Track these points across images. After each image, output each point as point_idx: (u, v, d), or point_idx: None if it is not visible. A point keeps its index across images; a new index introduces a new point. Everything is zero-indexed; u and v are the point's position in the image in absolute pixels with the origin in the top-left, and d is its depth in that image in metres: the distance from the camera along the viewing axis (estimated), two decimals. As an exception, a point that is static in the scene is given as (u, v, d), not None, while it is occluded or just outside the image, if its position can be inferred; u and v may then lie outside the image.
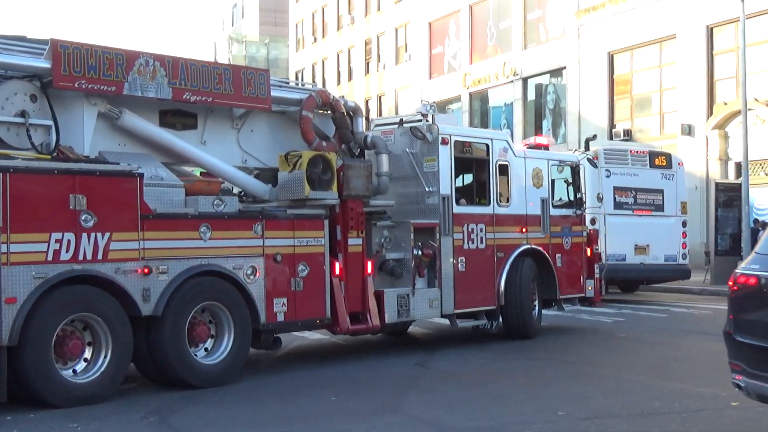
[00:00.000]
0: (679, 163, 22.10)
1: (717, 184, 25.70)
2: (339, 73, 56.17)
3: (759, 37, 27.73)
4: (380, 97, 49.14)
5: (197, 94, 10.16)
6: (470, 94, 42.74)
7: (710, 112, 29.85)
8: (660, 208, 21.38)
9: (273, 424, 7.99)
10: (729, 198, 24.75)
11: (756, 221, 23.28)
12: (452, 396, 9.17)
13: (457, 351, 12.43)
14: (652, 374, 10.28)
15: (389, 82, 50.25)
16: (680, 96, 31.14)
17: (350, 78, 54.78)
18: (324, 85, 52.34)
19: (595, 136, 21.15)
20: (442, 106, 43.80)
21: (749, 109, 24.59)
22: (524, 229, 13.88)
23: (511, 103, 40.11)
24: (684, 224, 21.78)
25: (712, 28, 29.96)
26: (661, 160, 21.65)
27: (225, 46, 70.52)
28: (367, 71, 53.12)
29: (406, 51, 48.44)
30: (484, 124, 41.04)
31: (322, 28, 58.84)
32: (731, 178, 28.53)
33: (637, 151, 21.55)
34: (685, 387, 9.36)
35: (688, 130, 30.54)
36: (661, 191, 21.43)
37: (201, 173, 11.71)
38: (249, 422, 8.08)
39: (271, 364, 11.35)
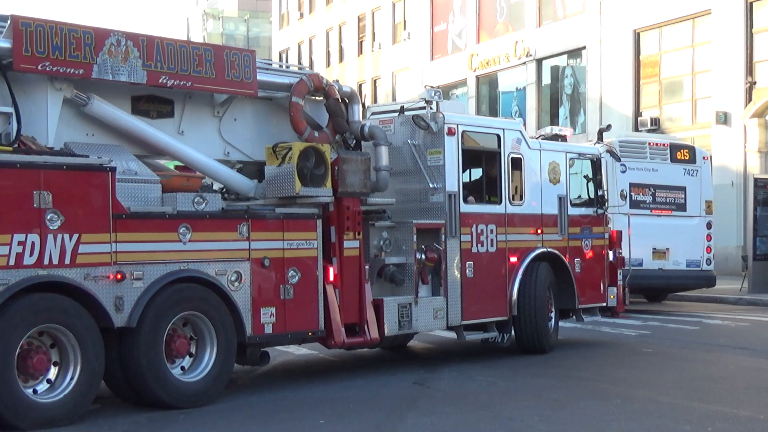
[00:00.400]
0: (704, 158, 22.31)
1: (756, 179, 25.89)
2: (329, 53, 56.52)
3: (804, 13, 28.00)
4: (375, 81, 49.39)
5: (175, 78, 10.26)
6: (477, 78, 43.02)
7: (749, 99, 30.09)
8: (682, 207, 21.60)
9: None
10: (770, 195, 24.98)
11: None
12: (456, 419, 9.19)
13: (462, 368, 12.49)
14: (681, 395, 10.32)
15: (385, 64, 50.56)
16: (715, 80, 31.36)
17: (341, 59, 55.10)
18: (312, 67, 52.51)
19: (609, 126, 21.48)
20: (445, 91, 43.98)
21: (793, 95, 24.85)
22: (539, 231, 14.05)
23: (524, 88, 40.39)
24: (709, 226, 22.00)
25: (751, 3, 30.23)
26: (683, 154, 21.87)
27: (199, 23, 70.83)
28: (360, 51, 53.46)
29: (404, 28, 48.86)
30: (493, 112, 41.26)
31: (309, 2, 59.18)
32: (772, 172, 28.80)
33: (656, 144, 21.78)
34: (719, 409, 9.39)
35: (723, 119, 30.75)
36: (684, 189, 21.65)
37: (177, 167, 11.84)
38: (226, 449, 8.10)
39: (253, 381, 11.40)
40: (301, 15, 60.00)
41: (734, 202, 30.19)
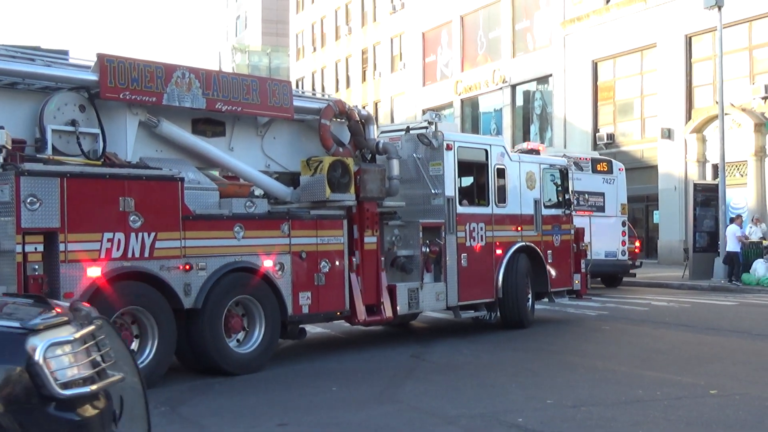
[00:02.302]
0: (619, 169, 22.89)
1: (695, 184, 26.09)
2: (337, 80, 56.37)
3: (734, 45, 28.18)
4: (376, 104, 49.43)
5: (228, 104, 10.48)
6: (462, 101, 43.02)
7: (689, 117, 30.24)
8: (601, 209, 22.02)
9: (277, 412, 7.97)
10: (707, 198, 25.15)
11: (732, 219, 23.68)
12: (447, 386, 9.14)
13: (451, 343, 12.47)
14: (635, 364, 10.27)
15: (385, 90, 50.49)
16: (660, 102, 31.52)
17: (348, 85, 54.97)
18: (324, 92, 52.54)
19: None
20: (435, 112, 44.13)
21: (726, 114, 25.03)
22: (519, 228, 14.20)
23: (501, 109, 40.40)
24: (623, 224, 22.47)
25: (690, 38, 30.38)
26: (602, 166, 22.46)
27: (229, 56, 70.59)
28: (363, 79, 53.36)
29: (400, 60, 48.68)
30: (475, 129, 41.32)
31: (321, 39, 59.02)
32: (708, 179, 28.92)
33: (581, 158, 22.14)
34: (666, 376, 9.34)
35: (668, 134, 30.94)
36: (603, 194, 22.08)
37: (225, 176, 12.04)
38: (254, 410, 8.07)
39: (276, 355, 11.40)
40: (315, 49, 59.91)
41: (677, 204, 30.40)
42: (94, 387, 3.72)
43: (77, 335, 3.78)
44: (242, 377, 9.70)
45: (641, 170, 31.97)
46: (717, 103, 24.75)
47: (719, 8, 23.21)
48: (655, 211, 32.57)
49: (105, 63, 9.33)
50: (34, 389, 3.51)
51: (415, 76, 46.55)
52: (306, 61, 61.18)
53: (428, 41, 45.61)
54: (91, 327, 3.96)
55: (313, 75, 59.68)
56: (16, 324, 3.68)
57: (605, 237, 21.65)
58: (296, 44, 63.28)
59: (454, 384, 9.24)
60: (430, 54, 45.59)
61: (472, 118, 42.65)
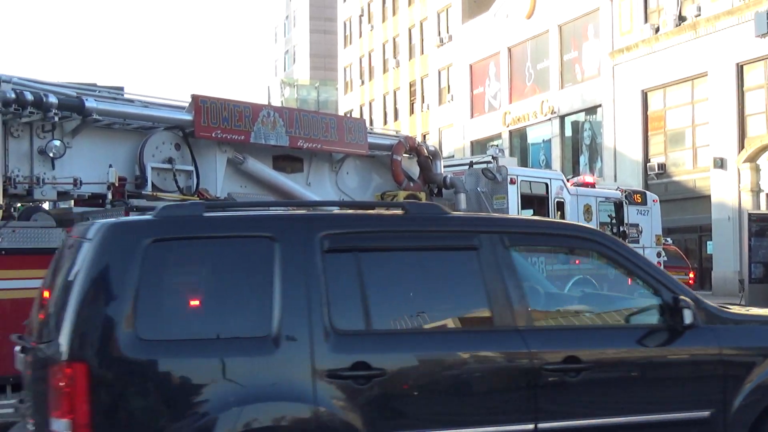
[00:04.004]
0: (654, 200, 22.98)
1: (750, 214, 26.04)
2: (385, 113, 57.03)
3: (787, 74, 28.23)
4: (424, 136, 49.87)
5: (309, 141, 11.02)
6: (510, 132, 43.32)
7: (741, 146, 30.24)
8: (635, 240, 22.21)
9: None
10: (762, 228, 25.10)
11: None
12: None
13: None
14: None
15: (433, 122, 50.96)
16: (712, 131, 31.53)
17: (396, 118, 55.58)
18: (372, 125, 53.23)
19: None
20: (483, 144, 44.48)
21: (780, 143, 25.10)
22: (578, 261, 14.50)
23: (549, 140, 40.61)
24: (658, 254, 22.59)
25: (742, 66, 30.44)
26: (637, 198, 22.57)
27: (278, 90, 71.75)
28: (411, 111, 53.89)
29: (448, 92, 49.11)
30: (523, 161, 41.54)
31: (369, 72, 59.81)
32: (762, 208, 28.87)
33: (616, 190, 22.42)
34: None
35: (720, 164, 30.92)
36: (637, 225, 22.27)
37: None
38: None
39: None
40: (363, 82, 60.64)
41: (731, 234, 30.33)
42: None
43: None
44: None
45: (694, 200, 31.99)
46: (771, 132, 24.84)
47: (772, 37, 23.40)
48: (708, 242, 32.51)
49: (199, 104, 9.88)
50: None
51: (462, 108, 46.99)
52: (354, 94, 62.00)
53: (476, 73, 46.06)
54: None
55: (361, 108, 60.42)
56: None
57: None
58: (344, 77, 64.15)
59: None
60: (477, 86, 46.01)
61: (521, 149, 42.91)
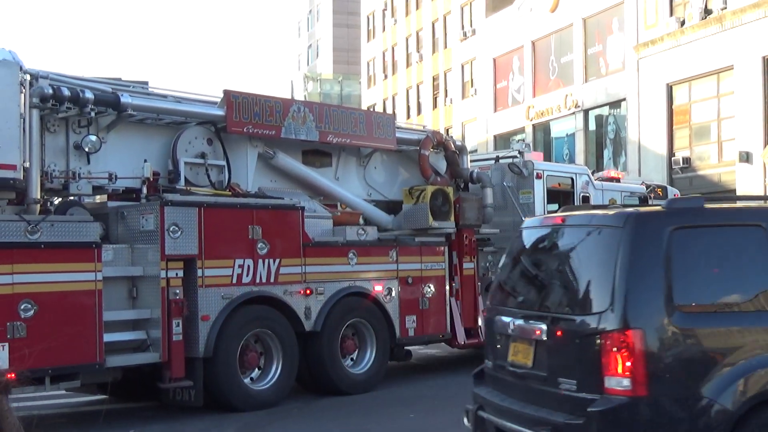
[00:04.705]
0: (675, 195, 22.78)
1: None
2: (408, 107, 56.89)
3: (814, 68, 27.96)
4: (447, 130, 49.78)
5: (338, 136, 11.09)
6: (533, 126, 43.17)
7: (767, 140, 30.04)
8: None
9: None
10: (789, 221, 24.96)
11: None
12: None
13: None
14: None
15: (456, 116, 50.86)
16: (738, 124, 31.30)
17: (419, 112, 55.50)
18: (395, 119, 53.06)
19: None
20: (506, 138, 44.36)
21: (807, 137, 24.90)
22: None
23: (573, 134, 40.45)
24: None
25: (768, 60, 30.21)
26: (659, 192, 22.41)
27: (301, 84, 71.75)
28: (434, 105, 53.76)
29: (471, 86, 48.96)
30: (547, 155, 41.35)
31: (392, 66, 59.63)
32: (790, 202, 28.62)
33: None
34: None
35: (746, 157, 30.70)
36: None
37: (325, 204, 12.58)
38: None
39: None
40: (386, 76, 60.48)
41: (757, 228, 30.08)
42: None
43: None
44: (316, 402, 9.95)
45: (719, 194, 31.79)
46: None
47: (799, 30, 23.21)
48: (732, 236, 32.28)
49: (231, 99, 9.95)
50: None
51: (486, 102, 46.89)
52: (377, 88, 61.97)
53: (499, 67, 45.94)
54: None
55: (384, 102, 60.37)
56: None
57: None
58: (367, 72, 64.06)
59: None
60: (501, 80, 45.88)
61: (544, 143, 42.77)
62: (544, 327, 5.51)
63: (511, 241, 6.55)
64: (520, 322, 5.77)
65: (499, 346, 6.06)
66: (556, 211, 6.69)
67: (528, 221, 6.65)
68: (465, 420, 6.33)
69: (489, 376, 6.28)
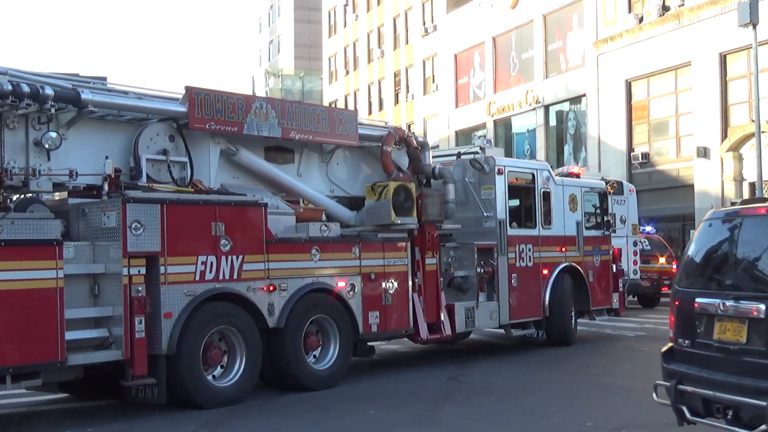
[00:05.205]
0: (630, 190, 23.18)
1: (733, 203, 26.13)
2: (370, 103, 56.93)
3: (770, 63, 28.45)
4: (409, 126, 49.92)
5: (301, 133, 11.10)
6: (494, 122, 43.43)
7: (724, 136, 30.47)
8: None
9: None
10: (745, 216, 25.31)
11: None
12: (486, 409, 9.20)
13: (488, 365, 12.66)
14: None
15: (418, 112, 51.00)
16: (696, 120, 31.73)
17: (381, 108, 55.57)
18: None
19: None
20: (468, 134, 44.58)
21: (762, 132, 25.34)
22: (563, 249, 14.75)
23: (534, 130, 40.75)
24: (635, 243, 22.68)
25: (725, 56, 30.63)
26: (615, 185, 22.67)
27: (262, 80, 71.51)
28: (396, 101, 53.89)
29: (433, 82, 49.12)
30: (508, 150, 41.63)
31: (354, 62, 59.68)
32: (745, 197, 29.10)
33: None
34: None
35: (703, 153, 31.13)
36: (614, 215, 22.38)
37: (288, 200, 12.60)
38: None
39: None
40: (347, 72, 60.54)
41: (714, 222, 30.46)
42: None
43: None
44: (277, 399, 9.96)
45: (677, 189, 32.27)
46: (753, 121, 25.09)
47: (754, 26, 23.57)
48: (691, 231, 32.75)
49: (193, 95, 9.93)
50: None
51: (447, 98, 47.07)
52: (339, 84, 61.93)
53: (460, 63, 46.14)
54: None
55: (345, 98, 60.34)
56: None
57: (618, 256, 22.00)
58: (329, 68, 64.03)
59: (494, 407, 9.38)
60: (462, 76, 46.09)
61: (505, 139, 43.05)
62: (762, 306, 5.95)
63: (699, 231, 6.96)
64: (730, 302, 6.18)
65: (699, 325, 6.47)
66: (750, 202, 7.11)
67: (714, 213, 7.06)
68: (654, 395, 6.69)
69: (684, 354, 6.64)
